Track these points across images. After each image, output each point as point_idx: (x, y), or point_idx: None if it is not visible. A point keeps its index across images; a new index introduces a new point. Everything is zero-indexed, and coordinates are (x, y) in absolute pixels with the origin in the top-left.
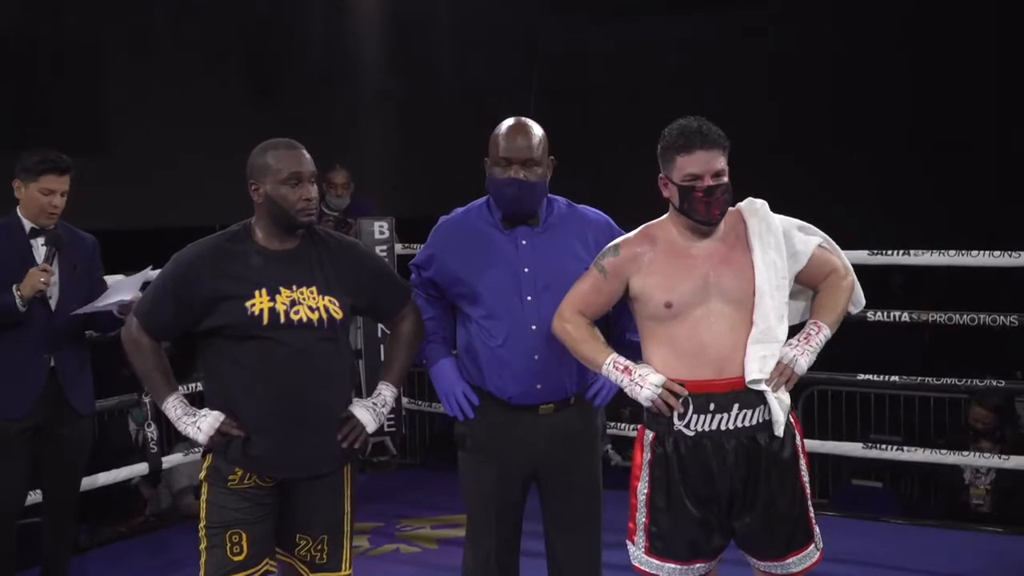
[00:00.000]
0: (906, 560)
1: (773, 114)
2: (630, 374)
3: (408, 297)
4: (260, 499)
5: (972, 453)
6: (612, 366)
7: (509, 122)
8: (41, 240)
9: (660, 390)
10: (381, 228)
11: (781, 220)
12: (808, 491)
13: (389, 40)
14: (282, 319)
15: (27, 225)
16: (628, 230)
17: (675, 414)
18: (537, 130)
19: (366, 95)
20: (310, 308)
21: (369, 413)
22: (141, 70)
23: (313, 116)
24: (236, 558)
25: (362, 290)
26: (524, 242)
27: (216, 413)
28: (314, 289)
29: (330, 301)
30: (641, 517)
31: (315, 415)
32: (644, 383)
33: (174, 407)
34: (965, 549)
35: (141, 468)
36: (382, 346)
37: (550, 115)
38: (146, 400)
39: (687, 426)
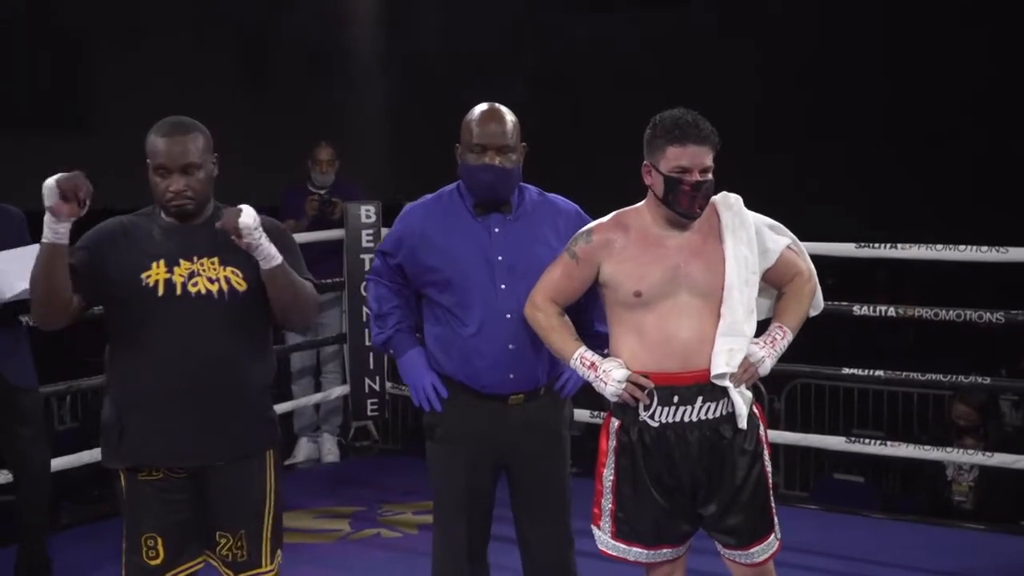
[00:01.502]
0: (887, 555)
1: (763, 107)
2: (595, 370)
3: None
4: (173, 493)
5: (956, 450)
6: (579, 361)
7: (482, 107)
8: None
9: (624, 385)
10: (368, 212)
11: (753, 217)
12: (770, 482)
13: (380, 26)
14: (178, 291)
15: None
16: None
17: (640, 405)
18: (510, 116)
19: (356, 80)
20: (209, 279)
21: (251, 216)
22: (130, 51)
23: (302, 100)
24: (153, 562)
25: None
26: (497, 230)
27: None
28: (215, 260)
29: (232, 272)
30: (607, 503)
31: (212, 397)
32: (608, 380)
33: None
34: (947, 546)
35: None
36: (367, 330)
37: (540, 102)
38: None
39: (651, 417)
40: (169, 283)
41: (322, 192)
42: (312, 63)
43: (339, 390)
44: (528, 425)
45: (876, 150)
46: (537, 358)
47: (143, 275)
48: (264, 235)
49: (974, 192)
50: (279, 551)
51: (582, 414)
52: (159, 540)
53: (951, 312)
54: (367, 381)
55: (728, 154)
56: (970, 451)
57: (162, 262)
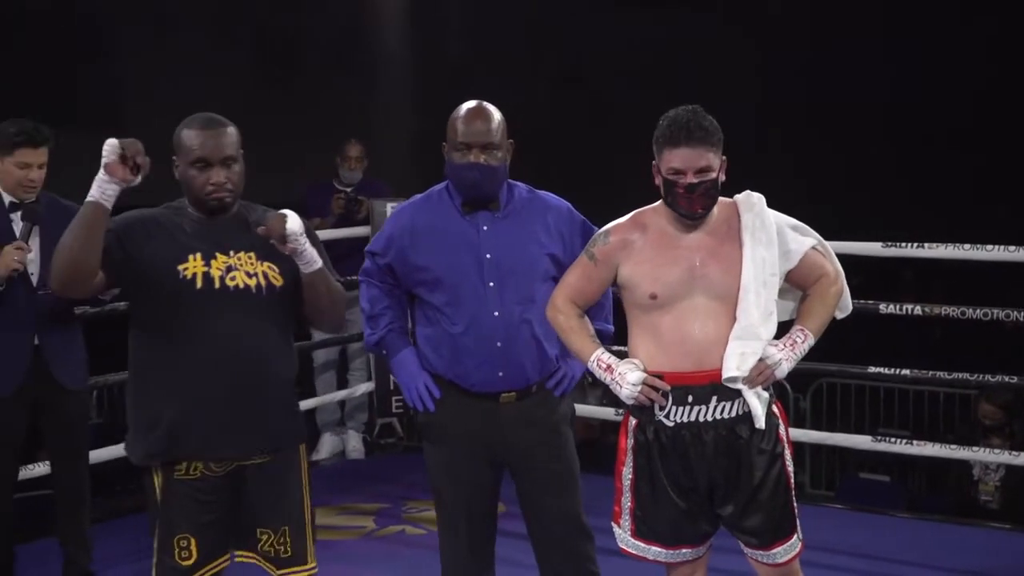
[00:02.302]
0: (913, 555)
1: (784, 106)
2: (612, 372)
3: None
4: (209, 492)
5: (982, 449)
6: (596, 363)
7: (467, 105)
8: (20, 215)
9: (640, 388)
10: (393, 208)
11: (775, 217)
12: (792, 482)
13: (405, 23)
14: (216, 284)
15: (7, 199)
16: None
17: (655, 405)
18: (496, 114)
19: (380, 78)
20: (247, 274)
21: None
22: (155, 47)
23: (327, 96)
24: (185, 563)
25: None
26: (485, 228)
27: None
28: (252, 255)
29: (269, 267)
30: (627, 501)
31: (248, 391)
32: (623, 383)
33: None
34: (973, 546)
35: None
36: None
37: (563, 100)
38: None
39: (667, 417)
40: (207, 276)
41: (348, 190)
42: (337, 61)
43: (364, 387)
44: (522, 423)
45: (910, 151)
46: (526, 356)
47: (179, 267)
48: (308, 240)
49: (991, 192)
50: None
51: (606, 412)
52: (192, 541)
53: (978, 311)
54: (391, 378)
55: (755, 153)
56: (996, 450)
57: (199, 255)
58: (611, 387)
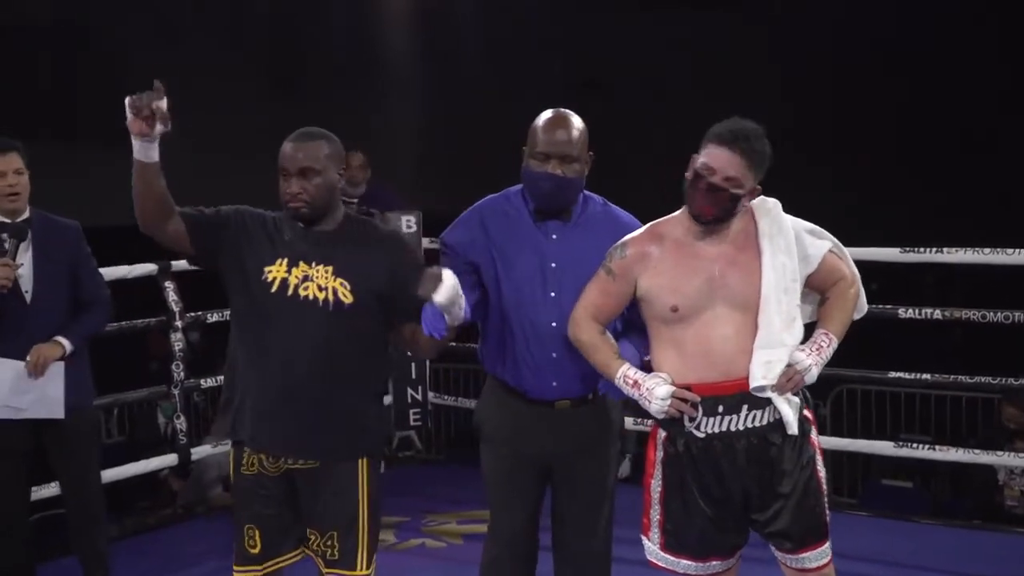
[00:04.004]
0: (937, 561)
1: (804, 110)
2: (639, 388)
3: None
4: (267, 488)
5: (1006, 453)
6: (623, 380)
7: (549, 114)
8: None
9: (669, 402)
10: (408, 222)
11: (792, 222)
12: (824, 488)
13: (413, 30)
14: (289, 291)
15: None
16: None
17: (686, 417)
18: (578, 124)
19: (389, 87)
20: (319, 287)
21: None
22: (164, 59)
23: (335, 107)
24: (252, 551)
25: (384, 285)
26: (555, 236)
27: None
28: (330, 269)
29: (341, 284)
30: (655, 514)
31: (306, 399)
32: (652, 398)
33: None
34: (998, 551)
35: (170, 459)
36: None
37: (577, 108)
38: (175, 392)
39: (697, 428)
40: (284, 282)
41: (355, 201)
42: (344, 70)
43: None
44: (574, 431)
45: (923, 156)
46: (581, 367)
47: (266, 268)
48: (461, 305)
49: (1012, 196)
50: (375, 557)
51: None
52: (257, 531)
53: (999, 314)
54: (409, 391)
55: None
56: (1021, 455)
57: (285, 261)
58: (640, 403)
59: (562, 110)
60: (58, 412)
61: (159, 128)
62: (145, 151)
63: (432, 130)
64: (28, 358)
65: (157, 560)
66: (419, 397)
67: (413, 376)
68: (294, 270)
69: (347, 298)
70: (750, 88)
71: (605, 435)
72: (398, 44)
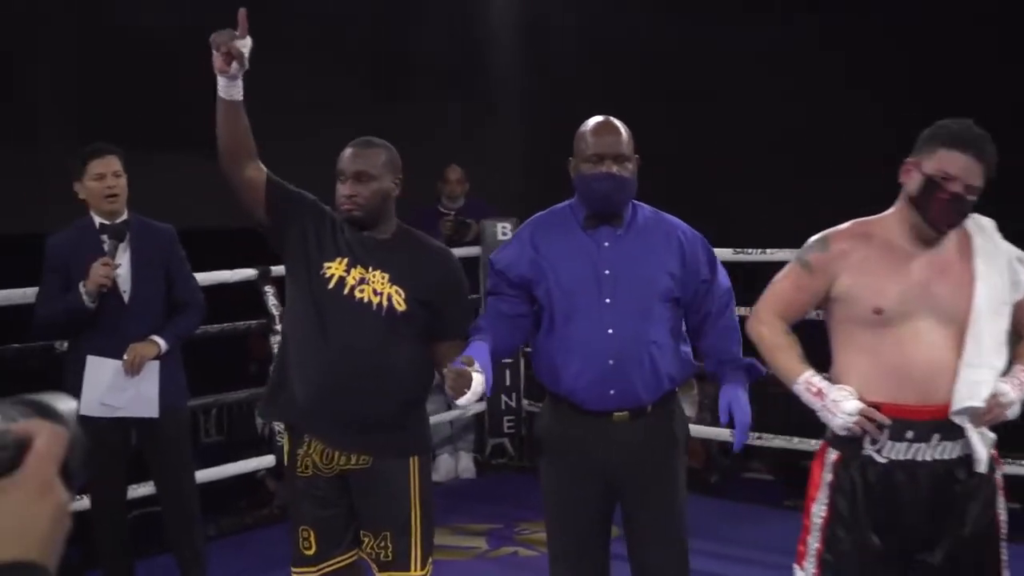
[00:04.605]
0: None
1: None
2: (823, 398)
3: (463, 336)
4: (322, 490)
5: None
6: (805, 387)
7: (596, 120)
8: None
9: (856, 418)
10: (504, 229)
11: (1005, 246)
12: (1003, 532)
13: (516, 39)
14: (345, 291)
15: (97, 222)
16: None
17: (867, 438)
18: (624, 128)
19: (491, 98)
20: (374, 291)
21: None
22: (265, 69)
23: (435, 118)
24: (307, 552)
25: (433, 296)
26: (607, 244)
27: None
28: (386, 276)
29: (396, 291)
30: (814, 542)
31: (355, 396)
32: (837, 411)
33: None
34: None
35: (267, 460)
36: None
37: (677, 120)
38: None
39: (879, 452)
40: (342, 281)
41: (451, 213)
42: (445, 80)
43: (475, 407)
44: (634, 443)
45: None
46: (638, 376)
47: (326, 264)
48: (481, 391)
49: None
50: (431, 559)
51: (722, 432)
52: (312, 533)
53: None
54: (503, 398)
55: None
56: None
57: (345, 260)
58: (819, 414)
59: (607, 116)
60: (152, 411)
61: (235, 66)
62: (227, 88)
63: (535, 138)
64: (124, 356)
65: (253, 560)
66: (513, 404)
67: (507, 383)
68: (352, 271)
69: (400, 306)
70: (855, 93)
71: (670, 447)
72: (501, 53)
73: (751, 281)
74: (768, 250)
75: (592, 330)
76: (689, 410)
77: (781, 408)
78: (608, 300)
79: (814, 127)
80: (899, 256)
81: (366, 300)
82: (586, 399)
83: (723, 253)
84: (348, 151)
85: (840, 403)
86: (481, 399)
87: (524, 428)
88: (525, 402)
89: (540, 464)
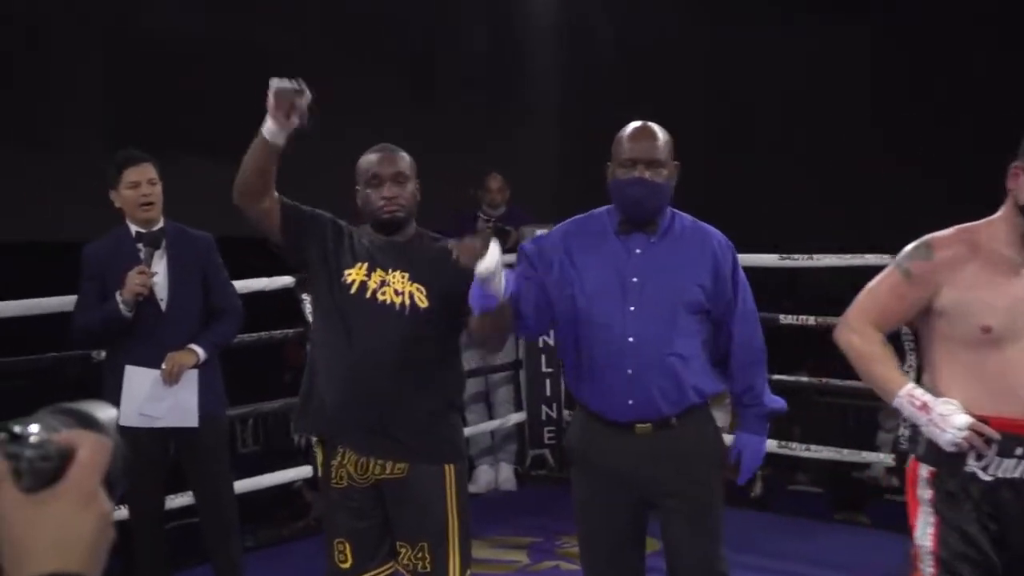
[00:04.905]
0: None
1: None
2: (928, 412)
3: None
4: (357, 501)
5: None
6: (907, 400)
7: (634, 124)
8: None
9: (965, 433)
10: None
11: None
12: None
13: (554, 44)
14: (368, 294)
15: (133, 230)
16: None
17: (971, 454)
18: (662, 133)
19: (529, 103)
20: (396, 291)
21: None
22: (306, 70)
23: (474, 123)
24: (343, 566)
25: (454, 284)
26: (638, 251)
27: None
28: (406, 275)
29: (417, 288)
30: (927, 567)
31: (384, 399)
32: (946, 426)
33: None
34: None
35: (304, 471)
36: (543, 356)
37: (718, 123)
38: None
39: (984, 469)
40: (363, 285)
41: (490, 219)
42: (484, 84)
43: (515, 417)
44: (659, 457)
45: None
46: (657, 386)
47: (346, 271)
48: (501, 278)
49: None
50: (469, 571)
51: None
52: (348, 546)
53: None
54: (544, 408)
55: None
56: None
57: (365, 265)
58: (924, 429)
59: (646, 121)
60: (191, 420)
61: (295, 121)
62: (274, 133)
63: (571, 143)
64: (163, 366)
65: (290, 572)
66: (553, 415)
67: (547, 393)
68: (373, 275)
69: (423, 303)
70: (896, 98)
71: (700, 461)
72: (539, 58)
73: (794, 286)
74: (815, 256)
75: (613, 337)
76: (721, 420)
77: (834, 418)
78: (632, 308)
79: (864, 130)
80: (1007, 268)
81: (388, 301)
82: (605, 408)
83: (768, 259)
84: (376, 156)
85: (948, 417)
86: (496, 296)
87: (565, 439)
88: (566, 412)
89: (571, 474)
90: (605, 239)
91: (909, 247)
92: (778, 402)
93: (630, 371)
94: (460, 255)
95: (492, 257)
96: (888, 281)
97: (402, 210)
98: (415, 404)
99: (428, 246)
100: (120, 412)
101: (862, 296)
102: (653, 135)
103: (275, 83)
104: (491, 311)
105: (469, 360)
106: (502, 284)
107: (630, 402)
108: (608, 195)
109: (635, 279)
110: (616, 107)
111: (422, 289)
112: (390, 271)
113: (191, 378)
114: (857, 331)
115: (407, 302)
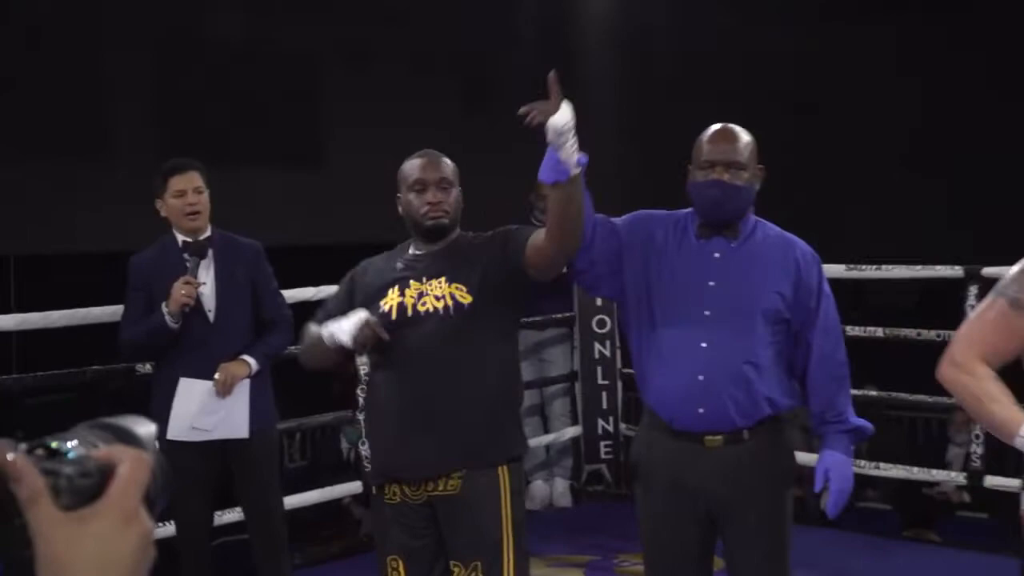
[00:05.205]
0: None
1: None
2: None
3: None
4: (411, 518)
5: None
6: None
7: (715, 127)
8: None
9: None
10: None
11: None
12: None
13: (607, 47)
14: (409, 312)
15: (180, 239)
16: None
17: None
18: (745, 135)
19: (586, 107)
20: (436, 297)
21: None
22: (354, 80)
23: (524, 130)
24: None
25: (491, 260)
26: (717, 255)
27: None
28: (442, 279)
29: (456, 288)
30: None
31: (435, 413)
32: None
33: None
34: None
35: (354, 487)
36: (599, 368)
37: (780, 129)
38: (360, 418)
39: None
40: (401, 306)
41: (542, 223)
42: (536, 88)
43: (571, 431)
44: (729, 472)
45: None
46: (729, 395)
47: (381, 303)
48: (573, 142)
49: None
50: None
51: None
52: (400, 563)
53: None
54: (600, 422)
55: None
56: None
57: (396, 288)
58: None
59: (728, 124)
60: (242, 432)
61: (362, 353)
62: (334, 340)
63: (629, 148)
64: (216, 377)
65: None
66: (610, 428)
67: (604, 407)
68: (407, 291)
69: (465, 299)
70: (962, 105)
71: (771, 479)
72: (592, 63)
73: (861, 297)
74: (884, 266)
75: (685, 341)
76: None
77: (903, 431)
78: (707, 312)
79: (935, 135)
80: None
81: (431, 310)
82: (674, 415)
83: (835, 269)
84: (419, 161)
85: None
86: (567, 166)
87: (622, 454)
88: (623, 426)
89: (635, 489)
90: (685, 239)
91: (1014, 271)
92: (864, 423)
93: (701, 378)
94: (534, 114)
95: (565, 114)
96: (995, 314)
97: (446, 216)
98: (468, 408)
99: (466, 243)
100: (170, 426)
101: (965, 329)
102: (733, 137)
103: (353, 327)
104: (563, 183)
105: (524, 371)
106: (575, 152)
107: (700, 411)
108: (680, 199)
109: (712, 283)
110: (674, 113)
111: (462, 287)
112: (424, 280)
113: (243, 389)
114: (966, 370)
115: (449, 303)
